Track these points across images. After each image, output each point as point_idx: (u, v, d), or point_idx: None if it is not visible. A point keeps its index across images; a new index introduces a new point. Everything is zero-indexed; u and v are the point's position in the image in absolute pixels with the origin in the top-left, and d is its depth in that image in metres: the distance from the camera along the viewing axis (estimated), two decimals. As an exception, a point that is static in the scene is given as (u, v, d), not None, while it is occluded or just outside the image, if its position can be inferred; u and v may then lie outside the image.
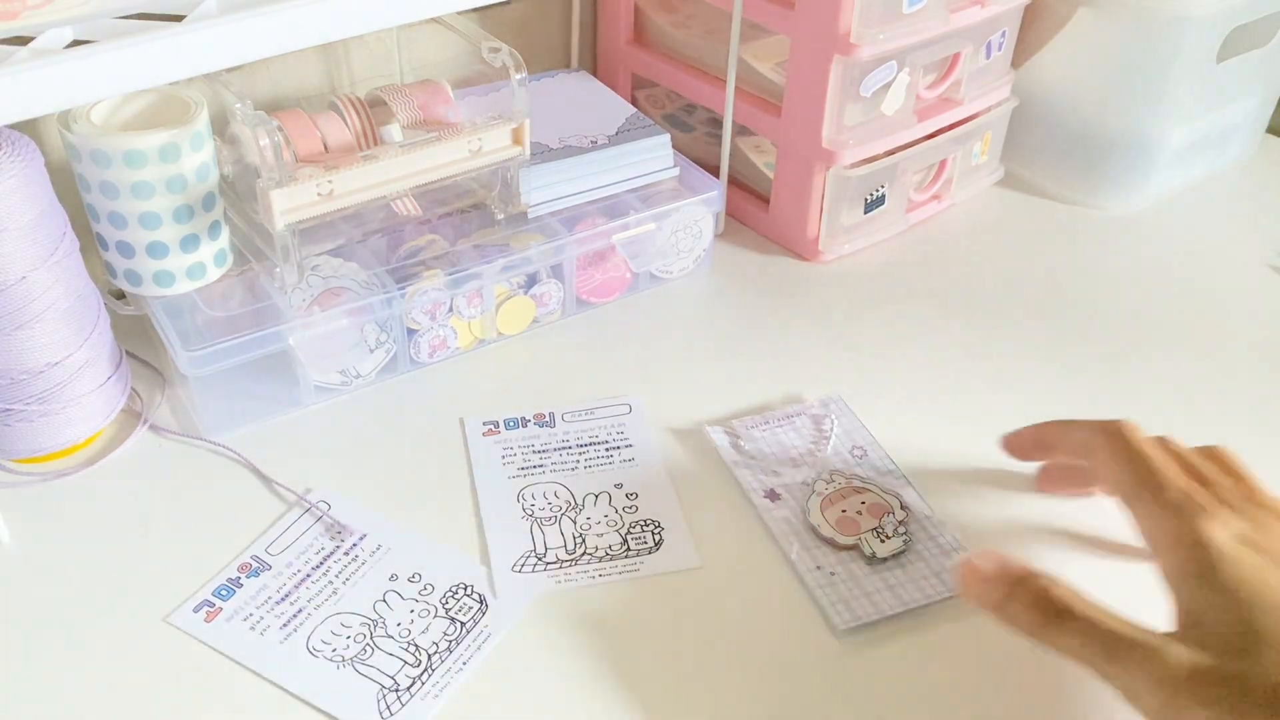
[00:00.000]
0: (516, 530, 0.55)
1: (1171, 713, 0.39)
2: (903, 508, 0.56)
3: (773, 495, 0.57)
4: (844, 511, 0.55)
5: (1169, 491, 0.45)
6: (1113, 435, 0.49)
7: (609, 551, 0.54)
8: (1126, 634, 0.41)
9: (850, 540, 0.54)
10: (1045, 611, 0.43)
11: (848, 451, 0.60)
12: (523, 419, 0.62)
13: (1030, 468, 0.58)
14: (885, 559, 0.53)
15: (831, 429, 0.61)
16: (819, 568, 0.53)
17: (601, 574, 0.53)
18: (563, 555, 0.54)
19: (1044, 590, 0.43)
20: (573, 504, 0.57)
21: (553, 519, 0.56)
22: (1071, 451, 0.54)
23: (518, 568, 0.53)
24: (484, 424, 0.62)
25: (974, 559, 0.46)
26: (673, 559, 0.54)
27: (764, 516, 0.56)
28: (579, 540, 0.55)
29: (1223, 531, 0.43)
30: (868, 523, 0.55)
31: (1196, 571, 0.42)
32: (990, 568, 0.45)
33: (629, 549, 0.54)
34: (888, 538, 0.54)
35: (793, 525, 0.55)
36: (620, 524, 0.56)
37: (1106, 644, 0.41)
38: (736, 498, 0.57)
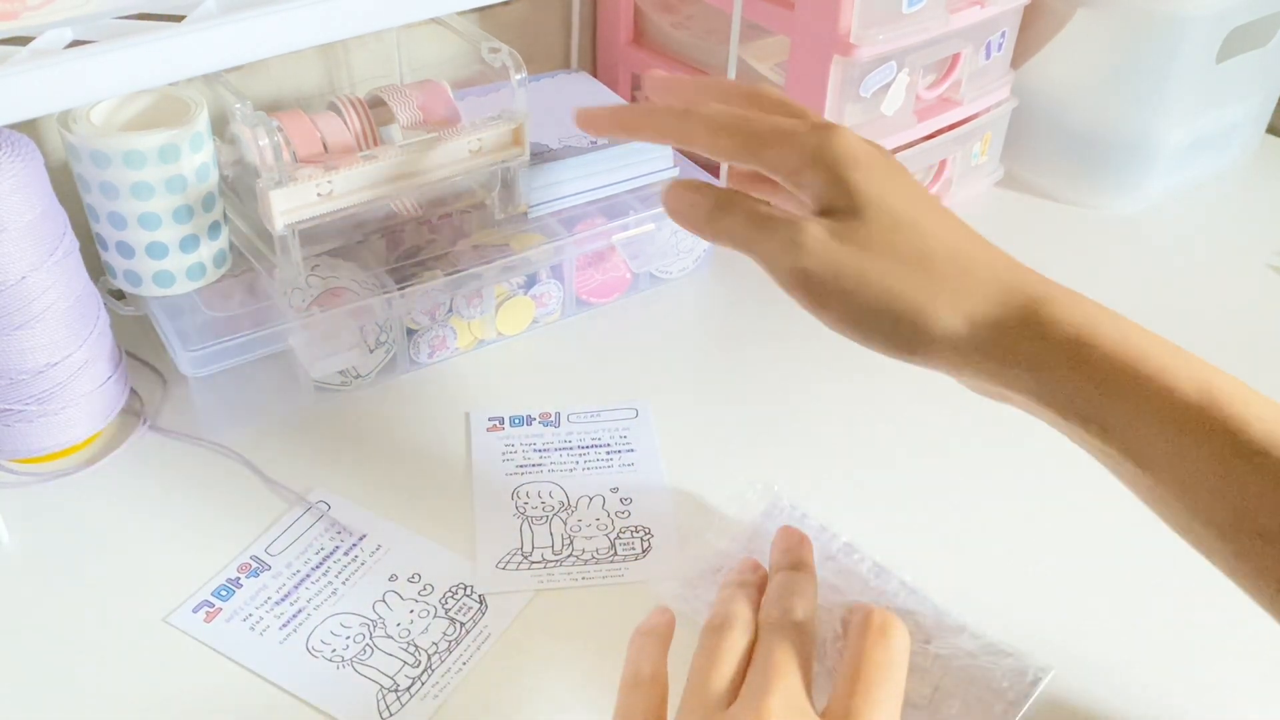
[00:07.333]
0: (507, 527, 0.55)
1: (801, 274, 0.43)
2: (926, 641, 0.48)
3: None
4: None
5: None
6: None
7: (595, 555, 0.54)
8: (776, 212, 0.45)
9: None
10: (714, 203, 0.46)
11: (867, 571, 0.52)
12: (528, 417, 0.62)
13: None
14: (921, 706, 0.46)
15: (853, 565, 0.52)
16: None
17: (585, 577, 0.53)
18: (549, 555, 0.54)
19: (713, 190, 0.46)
20: (566, 505, 0.57)
21: (544, 519, 0.56)
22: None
23: (503, 564, 0.53)
24: (489, 419, 0.62)
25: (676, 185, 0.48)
26: (659, 568, 0.53)
27: None
28: (567, 542, 0.55)
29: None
30: None
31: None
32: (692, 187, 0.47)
33: (616, 553, 0.54)
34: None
35: None
36: (610, 528, 0.56)
37: (757, 219, 0.45)
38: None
